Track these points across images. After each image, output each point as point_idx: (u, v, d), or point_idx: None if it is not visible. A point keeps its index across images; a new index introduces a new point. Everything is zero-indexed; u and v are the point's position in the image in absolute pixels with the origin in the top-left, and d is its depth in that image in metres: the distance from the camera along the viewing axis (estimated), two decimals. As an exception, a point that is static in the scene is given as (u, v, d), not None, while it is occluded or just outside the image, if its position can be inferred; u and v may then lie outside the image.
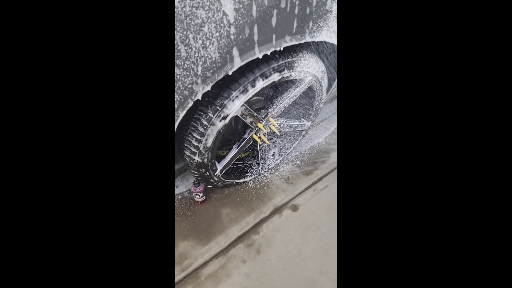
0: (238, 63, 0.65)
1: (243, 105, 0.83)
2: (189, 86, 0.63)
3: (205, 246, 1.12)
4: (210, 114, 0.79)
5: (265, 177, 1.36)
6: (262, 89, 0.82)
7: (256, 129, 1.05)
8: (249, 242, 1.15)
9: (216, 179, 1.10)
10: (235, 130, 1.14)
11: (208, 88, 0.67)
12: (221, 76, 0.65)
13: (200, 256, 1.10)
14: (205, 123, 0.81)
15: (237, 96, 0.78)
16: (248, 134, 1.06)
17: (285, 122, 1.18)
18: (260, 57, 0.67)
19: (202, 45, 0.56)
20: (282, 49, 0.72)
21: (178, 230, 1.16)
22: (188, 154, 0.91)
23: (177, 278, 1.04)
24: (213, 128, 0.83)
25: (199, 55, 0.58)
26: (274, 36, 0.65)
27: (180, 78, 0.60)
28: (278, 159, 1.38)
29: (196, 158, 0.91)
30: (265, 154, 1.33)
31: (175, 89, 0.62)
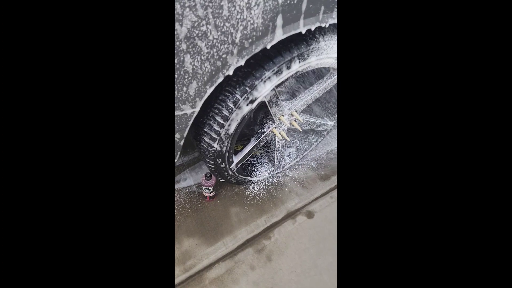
0: (279, 35, 0.58)
1: (273, 89, 0.76)
2: (223, 56, 0.56)
3: (211, 246, 1.02)
4: (237, 96, 0.72)
5: (278, 178, 1.28)
6: (288, 78, 0.75)
7: (278, 122, 0.98)
8: (259, 247, 1.05)
9: (230, 172, 1.02)
10: (253, 123, 1.07)
11: (242, 62, 0.60)
12: (259, 49, 0.58)
13: (205, 256, 0.99)
14: (231, 105, 0.73)
15: (269, 78, 0.71)
16: (269, 128, 0.99)
17: (308, 119, 1.11)
18: (304, 31, 0.61)
19: (247, 5, 0.50)
20: (327, 26, 0.65)
21: (184, 226, 1.07)
22: (207, 140, 0.83)
23: (179, 279, 0.93)
24: (238, 113, 0.75)
25: (242, 17, 0.51)
26: (322, 8, 0.58)
27: (216, 44, 0.53)
28: (294, 160, 1.30)
29: (215, 145, 0.83)
30: (281, 153, 1.25)
31: (208, 57, 0.55)
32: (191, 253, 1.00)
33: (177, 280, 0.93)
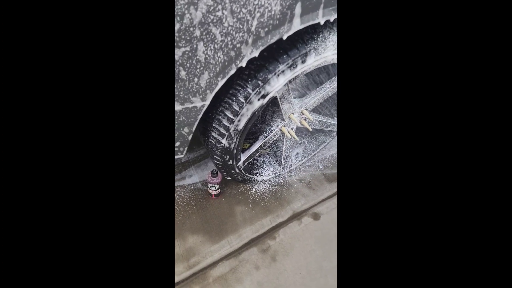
0: (297, 25, 0.56)
1: (286, 84, 0.73)
2: (237, 45, 0.54)
3: (215, 244, 1.00)
4: (249, 90, 0.70)
5: (284, 178, 1.25)
6: (302, 73, 0.73)
7: (287, 121, 0.95)
8: (264, 247, 1.02)
9: (237, 170, 0.99)
10: (261, 121, 1.05)
11: (256, 54, 0.58)
12: (275, 39, 0.56)
13: (209, 254, 0.97)
14: (242, 100, 0.71)
15: (283, 71, 0.69)
16: (277, 126, 0.96)
17: (318, 118, 1.08)
18: (322, 22, 0.58)
19: (266, -10, 0.47)
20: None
21: (188, 223, 1.05)
22: (215, 136, 0.81)
23: (182, 276, 0.91)
24: (249, 108, 0.73)
25: (259, 2, 0.49)
26: (343, -2, 0.56)
27: (231, 32, 0.51)
28: (302, 160, 1.27)
29: (224, 141, 0.81)
30: (288, 153, 1.22)
31: (222, 45, 0.53)
32: (195, 250, 0.98)
33: (180, 277, 0.91)
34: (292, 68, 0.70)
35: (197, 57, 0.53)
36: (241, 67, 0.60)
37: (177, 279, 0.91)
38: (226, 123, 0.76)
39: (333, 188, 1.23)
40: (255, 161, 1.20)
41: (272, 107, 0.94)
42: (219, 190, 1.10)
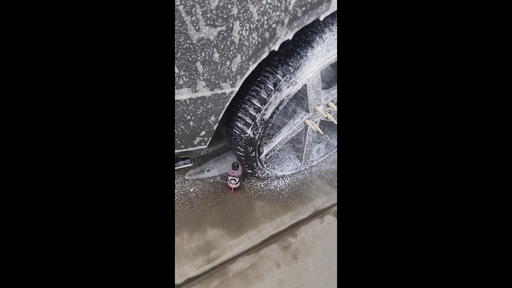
0: (335, 5, 0.53)
1: (318, 70, 0.70)
2: (273, 26, 0.52)
3: (235, 238, 0.98)
4: (279, 76, 0.67)
5: (304, 175, 1.21)
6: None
7: (312, 113, 0.92)
8: (285, 245, 0.99)
9: (259, 163, 0.97)
10: (284, 114, 1.02)
11: (290, 36, 0.55)
12: (311, 19, 0.53)
13: (229, 248, 0.95)
14: (271, 87, 0.69)
15: (315, 57, 0.66)
16: (301, 118, 0.93)
17: (344, 112, 1.03)
18: (363, 2, 0.55)
19: (309, -36, 0.45)
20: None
21: (208, 215, 1.03)
22: (241, 126, 0.79)
23: (202, 269, 0.90)
24: (277, 96, 0.70)
25: (301, -22, 0.47)
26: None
27: (268, 10, 0.49)
28: (323, 156, 1.23)
29: (249, 131, 0.79)
30: (310, 148, 1.18)
31: (258, 25, 0.51)
32: (215, 244, 0.96)
33: (200, 270, 0.90)
34: (326, 52, 0.66)
35: (232, 38, 0.51)
36: (273, 51, 0.57)
37: (197, 272, 0.90)
38: (252, 112, 0.74)
39: (356, 186, 1.18)
40: (275, 155, 1.17)
41: (295, 100, 0.91)
42: (239, 184, 1.08)
